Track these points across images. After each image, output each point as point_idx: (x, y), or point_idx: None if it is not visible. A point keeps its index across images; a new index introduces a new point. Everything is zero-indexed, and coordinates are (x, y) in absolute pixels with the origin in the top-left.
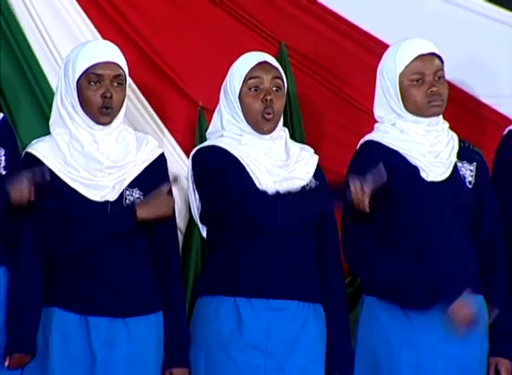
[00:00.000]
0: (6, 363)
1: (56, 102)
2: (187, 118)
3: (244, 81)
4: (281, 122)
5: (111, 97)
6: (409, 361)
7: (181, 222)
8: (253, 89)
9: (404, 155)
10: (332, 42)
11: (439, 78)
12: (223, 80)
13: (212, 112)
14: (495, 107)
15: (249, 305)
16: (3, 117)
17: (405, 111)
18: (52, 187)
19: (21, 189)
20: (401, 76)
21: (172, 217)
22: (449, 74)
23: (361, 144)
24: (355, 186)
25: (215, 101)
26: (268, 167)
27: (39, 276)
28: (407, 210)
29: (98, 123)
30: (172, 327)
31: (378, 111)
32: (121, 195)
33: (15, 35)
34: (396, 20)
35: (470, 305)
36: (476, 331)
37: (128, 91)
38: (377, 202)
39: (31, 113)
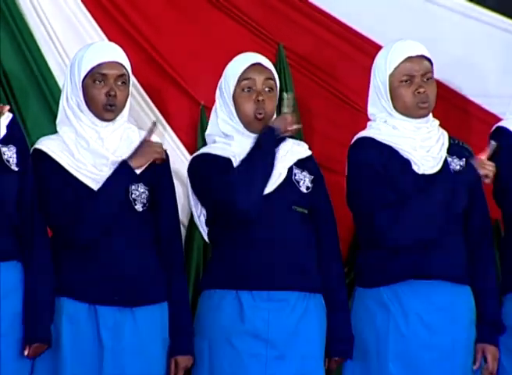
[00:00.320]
0: (26, 352)
1: (62, 102)
2: (189, 116)
3: (238, 82)
4: None
5: (115, 95)
6: (396, 350)
7: (184, 216)
8: (246, 90)
9: (397, 149)
10: (328, 44)
11: (427, 79)
12: None
13: None
14: (483, 106)
15: (250, 296)
16: (13, 117)
17: (394, 110)
18: (63, 181)
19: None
20: (391, 76)
21: (174, 208)
22: (439, 74)
23: (355, 141)
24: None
25: None
26: None
27: (52, 270)
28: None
29: (103, 119)
30: (177, 317)
31: (371, 109)
32: (126, 189)
33: (24, 37)
34: (390, 22)
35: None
36: (463, 319)
37: (132, 91)
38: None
39: (39, 111)
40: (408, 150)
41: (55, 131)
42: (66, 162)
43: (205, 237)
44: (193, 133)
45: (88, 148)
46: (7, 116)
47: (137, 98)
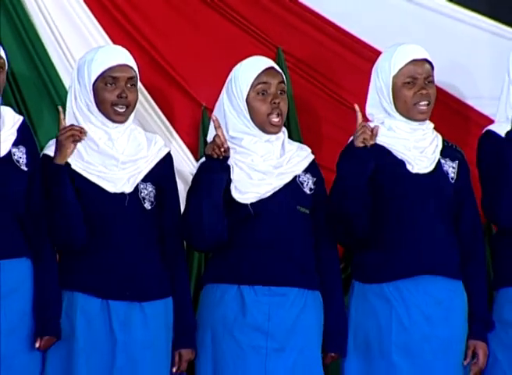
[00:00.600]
0: (37, 345)
1: (71, 104)
2: (192, 117)
3: (252, 86)
4: None
5: (126, 97)
6: (399, 341)
7: None
8: (261, 93)
9: (391, 149)
10: (325, 47)
11: (429, 82)
12: (225, 82)
13: None
14: (477, 108)
15: (252, 291)
16: (24, 120)
17: (395, 111)
18: (74, 183)
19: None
20: (395, 78)
21: (177, 206)
22: (437, 78)
23: (351, 141)
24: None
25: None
26: (262, 169)
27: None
28: (393, 199)
29: (113, 121)
30: (181, 312)
31: (370, 109)
32: (136, 188)
33: (31, 39)
34: (386, 27)
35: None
36: (459, 312)
37: None
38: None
39: (46, 111)
40: (402, 150)
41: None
42: (76, 165)
43: None
44: (195, 134)
45: (98, 149)
46: (16, 120)
47: (141, 99)
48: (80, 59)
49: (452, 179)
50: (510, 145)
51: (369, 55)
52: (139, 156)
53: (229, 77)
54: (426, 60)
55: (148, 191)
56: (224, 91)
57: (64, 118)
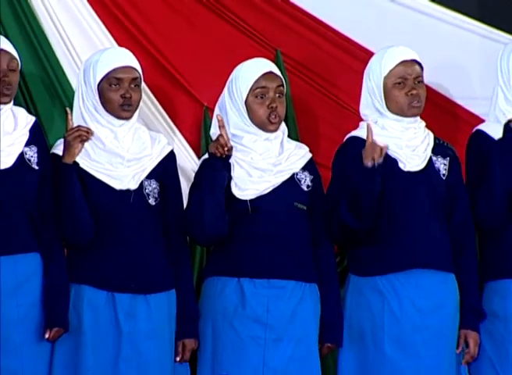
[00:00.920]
0: (47, 336)
1: (78, 104)
2: (194, 117)
3: (251, 90)
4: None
5: (130, 97)
6: (391, 333)
7: None
8: (259, 97)
9: None
10: (322, 50)
11: (418, 82)
12: (226, 82)
13: None
14: (466, 107)
15: (252, 283)
16: (36, 120)
17: (387, 110)
18: (81, 181)
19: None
20: (385, 78)
21: (181, 202)
22: (427, 78)
23: (346, 140)
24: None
25: None
26: (261, 167)
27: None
28: (386, 197)
29: (120, 118)
30: (184, 304)
31: (363, 110)
32: (141, 185)
33: (40, 42)
34: (380, 30)
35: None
36: (449, 303)
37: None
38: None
39: (54, 110)
40: (395, 149)
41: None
42: (83, 163)
43: None
44: (197, 133)
45: (104, 148)
46: (29, 120)
47: (145, 100)
48: (85, 61)
49: (443, 175)
50: (498, 148)
51: (363, 56)
52: (143, 154)
53: (231, 77)
54: (415, 61)
55: (152, 187)
56: (226, 89)
57: (71, 119)
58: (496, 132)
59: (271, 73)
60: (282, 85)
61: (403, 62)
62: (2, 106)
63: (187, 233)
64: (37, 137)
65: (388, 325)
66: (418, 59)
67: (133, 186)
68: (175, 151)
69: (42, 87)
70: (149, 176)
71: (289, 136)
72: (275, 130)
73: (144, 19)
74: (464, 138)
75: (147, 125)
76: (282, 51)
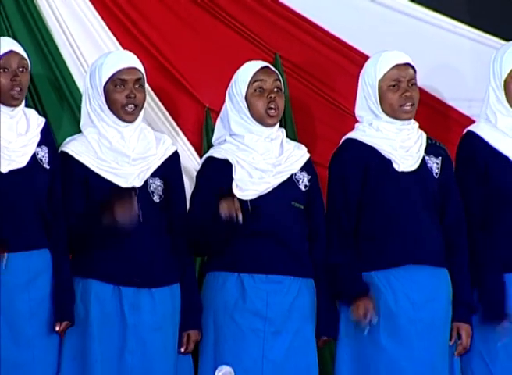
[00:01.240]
0: (57, 328)
1: (86, 105)
2: (196, 117)
3: (250, 84)
4: (277, 124)
5: (135, 97)
6: (386, 325)
7: None
8: (258, 90)
9: (379, 149)
10: (319, 53)
11: (412, 85)
12: (227, 85)
13: (216, 112)
14: (457, 108)
15: (251, 278)
16: (46, 121)
17: (382, 112)
18: (88, 179)
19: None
20: (380, 81)
21: (184, 200)
22: (421, 81)
23: (343, 142)
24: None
25: (220, 103)
26: (263, 168)
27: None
28: (381, 196)
29: (124, 120)
30: (188, 297)
31: (358, 112)
32: (145, 183)
33: (48, 45)
34: (375, 35)
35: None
36: (442, 297)
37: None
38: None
39: (61, 111)
40: (389, 150)
41: (75, 131)
42: (90, 162)
43: None
44: (199, 133)
45: (111, 147)
46: (40, 122)
47: (149, 101)
48: (91, 65)
49: (436, 174)
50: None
51: (358, 59)
52: (148, 154)
53: (231, 82)
54: (409, 64)
55: (157, 185)
56: (227, 95)
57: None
58: (486, 133)
59: (267, 67)
60: (279, 80)
61: (397, 66)
62: (14, 109)
63: (191, 248)
64: (48, 137)
65: (383, 317)
66: (412, 63)
67: (138, 184)
68: (178, 151)
69: (50, 89)
70: (153, 175)
71: (287, 136)
72: (274, 123)
73: (149, 24)
74: (456, 138)
75: (150, 126)
76: (281, 55)
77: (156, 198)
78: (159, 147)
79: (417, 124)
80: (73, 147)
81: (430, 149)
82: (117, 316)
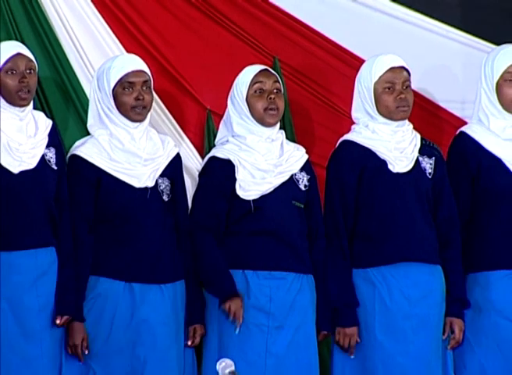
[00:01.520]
0: (58, 322)
1: (96, 107)
2: (198, 119)
3: (250, 86)
4: (278, 125)
5: (143, 99)
6: (382, 320)
7: None
8: (258, 91)
9: (374, 151)
10: (317, 57)
11: (406, 87)
12: (227, 88)
13: (217, 114)
14: (449, 110)
15: (255, 275)
16: (53, 124)
17: (377, 113)
18: (101, 181)
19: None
20: (376, 84)
21: (186, 198)
22: (415, 84)
23: (339, 144)
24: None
25: (220, 105)
26: (264, 168)
27: (86, 254)
28: (377, 196)
29: (133, 120)
30: (193, 292)
31: (355, 114)
32: (156, 182)
33: (55, 49)
34: (370, 39)
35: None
36: (436, 293)
37: None
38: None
39: (68, 113)
40: (384, 152)
41: (80, 132)
42: (103, 164)
43: None
44: (201, 134)
45: (123, 148)
46: (48, 124)
47: (153, 104)
48: (98, 69)
49: (429, 174)
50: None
51: (354, 63)
52: (158, 155)
53: (233, 85)
54: (403, 68)
55: (165, 184)
56: (229, 98)
57: None
58: (478, 134)
59: (266, 70)
60: (279, 82)
61: (392, 69)
62: (23, 109)
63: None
64: (55, 139)
65: (378, 313)
66: (406, 66)
67: (150, 183)
68: (181, 151)
69: (56, 91)
70: (162, 175)
71: (286, 138)
72: (274, 123)
73: (152, 29)
74: (449, 139)
75: (154, 127)
76: (280, 59)
77: (165, 197)
78: (165, 147)
79: (411, 125)
80: (85, 150)
81: (424, 150)
82: (129, 311)
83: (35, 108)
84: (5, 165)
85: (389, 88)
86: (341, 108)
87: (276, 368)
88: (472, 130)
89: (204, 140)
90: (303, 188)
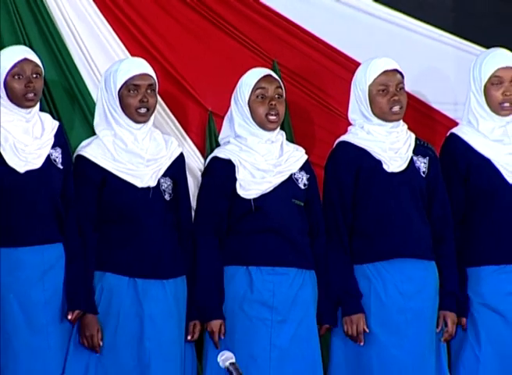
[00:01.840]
0: (69, 317)
1: (102, 107)
2: (199, 120)
3: (253, 90)
4: (278, 127)
5: (147, 101)
6: (377, 314)
7: (194, 203)
8: (260, 97)
9: (370, 151)
10: (314, 60)
11: (400, 89)
12: (228, 90)
13: (218, 116)
14: (442, 111)
15: (259, 271)
16: (60, 124)
17: (372, 115)
18: (105, 180)
19: None
20: (370, 86)
21: (189, 197)
22: (408, 86)
23: (336, 145)
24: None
25: (222, 107)
26: (264, 168)
27: (91, 250)
28: (372, 195)
29: (137, 122)
30: (194, 289)
31: (351, 115)
32: (158, 182)
33: (62, 53)
34: (367, 43)
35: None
36: (430, 288)
37: None
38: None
39: (74, 115)
40: (379, 152)
41: (86, 132)
42: (107, 164)
43: None
44: (203, 135)
45: (126, 148)
46: (54, 125)
47: (157, 106)
48: (105, 71)
49: (423, 173)
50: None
51: (350, 66)
52: (160, 155)
53: (236, 87)
54: (397, 70)
55: (167, 184)
56: (232, 98)
57: None
58: (468, 135)
59: (269, 76)
60: (281, 87)
61: (386, 72)
62: (29, 110)
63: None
64: (61, 139)
65: (374, 307)
66: (400, 69)
67: (152, 183)
68: (183, 151)
69: (63, 93)
70: (164, 175)
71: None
72: (274, 128)
73: (156, 34)
74: (441, 139)
75: (158, 128)
76: (279, 62)
77: (167, 197)
78: (168, 148)
79: (406, 126)
80: (90, 150)
81: (418, 150)
82: (133, 305)
83: (42, 109)
84: (12, 165)
85: (383, 90)
86: (338, 109)
87: (280, 360)
88: (462, 131)
89: (205, 140)
90: (302, 187)
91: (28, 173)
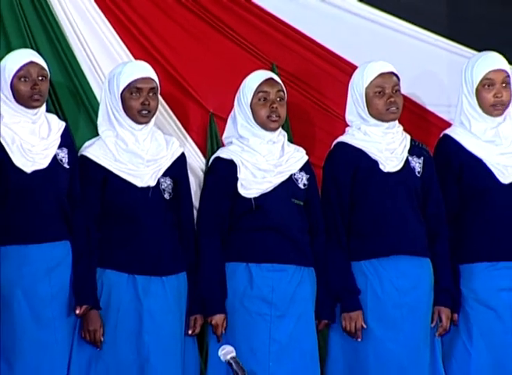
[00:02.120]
0: (77, 312)
1: (105, 107)
2: (201, 122)
3: (255, 93)
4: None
5: (149, 104)
6: (373, 309)
7: (196, 201)
8: (262, 100)
9: (366, 152)
10: (313, 63)
11: (396, 91)
12: (228, 92)
13: (220, 117)
14: (436, 113)
15: (258, 267)
16: (66, 125)
17: (369, 116)
18: (107, 180)
19: None
20: (367, 89)
21: (190, 196)
22: (404, 89)
23: (334, 145)
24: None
25: (222, 108)
26: (265, 168)
27: (95, 249)
28: (369, 195)
29: (139, 123)
30: (195, 285)
31: (348, 116)
32: (158, 182)
33: (67, 56)
34: (364, 47)
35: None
36: (424, 284)
37: None
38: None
39: (79, 115)
40: (376, 152)
41: (91, 132)
42: (109, 164)
43: None
44: (204, 135)
45: (127, 148)
46: (60, 126)
47: (159, 107)
48: (109, 73)
49: (418, 173)
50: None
51: (348, 69)
52: (160, 156)
53: (239, 89)
54: (393, 73)
55: (167, 183)
56: (235, 100)
57: None
58: (461, 136)
59: (272, 79)
60: (282, 91)
61: (382, 74)
62: (35, 111)
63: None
64: (67, 139)
65: (371, 302)
66: (396, 72)
67: (152, 183)
68: (185, 152)
69: (69, 95)
70: (164, 174)
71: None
72: (276, 128)
73: (159, 37)
74: (436, 140)
75: (160, 129)
76: (277, 65)
77: (167, 196)
78: (169, 148)
79: (401, 127)
80: (93, 150)
81: (413, 150)
82: (132, 301)
83: (49, 110)
84: (19, 165)
85: (379, 92)
86: (335, 111)
87: (279, 354)
88: (455, 132)
89: (207, 141)
90: (302, 187)
91: (35, 172)
